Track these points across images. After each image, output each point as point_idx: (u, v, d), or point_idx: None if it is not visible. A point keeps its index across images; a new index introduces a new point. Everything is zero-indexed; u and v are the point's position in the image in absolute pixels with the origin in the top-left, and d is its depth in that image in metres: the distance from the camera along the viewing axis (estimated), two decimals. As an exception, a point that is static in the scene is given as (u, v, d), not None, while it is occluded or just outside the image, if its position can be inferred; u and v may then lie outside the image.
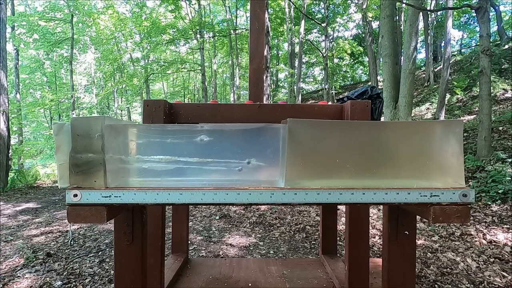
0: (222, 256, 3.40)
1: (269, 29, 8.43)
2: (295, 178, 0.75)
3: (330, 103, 1.57)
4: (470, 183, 4.96)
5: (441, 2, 14.54)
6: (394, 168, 0.78)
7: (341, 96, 1.99)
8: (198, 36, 16.14)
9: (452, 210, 0.72)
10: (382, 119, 5.81)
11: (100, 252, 3.43)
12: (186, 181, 0.78)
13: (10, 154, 8.92)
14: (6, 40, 8.95)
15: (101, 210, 0.72)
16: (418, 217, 0.94)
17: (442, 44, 14.71)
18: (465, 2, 12.23)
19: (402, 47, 8.91)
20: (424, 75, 13.53)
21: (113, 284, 1.61)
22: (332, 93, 15.94)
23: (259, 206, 5.02)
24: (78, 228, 4.30)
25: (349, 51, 15.95)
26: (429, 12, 12.15)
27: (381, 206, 1.53)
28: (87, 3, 16.18)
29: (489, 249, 3.20)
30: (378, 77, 14.44)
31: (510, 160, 5.17)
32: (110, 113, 23.51)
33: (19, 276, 2.83)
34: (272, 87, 20.04)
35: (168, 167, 0.77)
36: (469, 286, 2.55)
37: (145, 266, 0.99)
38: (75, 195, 0.71)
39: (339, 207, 4.07)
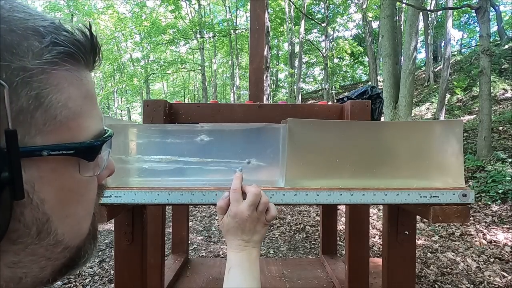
0: (222, 256, 3.40)
1: (269, 29, 8.43)
2: (295, 178, 0.75)
3: (330, 103, 1.57)
4: (470, 183, 4.96)
5: (441, 2, 14.54)
6: (394, 168, 0.78)
7: (341, 96, 1.99)
8: (198, 36, 16.14)
9: (452, 210, 0.72)
10: (382, 119, 5.81)
11: (100, 252, 3.43)
12: (186, 181, 0.78)
13: (10, 154, 8.91)
14: (6, 40, 8.95)
15: (101, 210, 0.72)
16: (418, 217, 0.94)
17: (442, 44, 14.72)
18: (465, 2, 12.23)
19: (402, 47, 8.91)
20: (424, 75, 13.53)
21: (113, 284, 1.61)
22: (332, 93, 15.94)
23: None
24: (78, 228, 4.30)
25: (349, 51, 15.94)
26: (429, 12, 12.16)
27: (381, 206, 1.53)
28: (87, 3, 16.18)
29: (489, 249, 3.20)
30: (378, 77, 14.44)
31: (510, 160, 5.17)
32: (110, 113, 23.50)
33: (19, 276, 2.83)
34: (272, 87, 20.03)
35: (168, 167, 0.77)
36: (469, 286, 2.55)
37: (145, 266, 0.99)
38: (75, 195, 0.70)
39: (339, 207, 4.07)
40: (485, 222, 3.90)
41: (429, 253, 3.20)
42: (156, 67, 18.21)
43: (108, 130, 0.34)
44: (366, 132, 0.78)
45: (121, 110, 24.27)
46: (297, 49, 16.71)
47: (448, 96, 10.09)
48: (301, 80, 16.99)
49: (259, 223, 0.66)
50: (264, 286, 1.69)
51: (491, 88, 6.62)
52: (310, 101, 18.02)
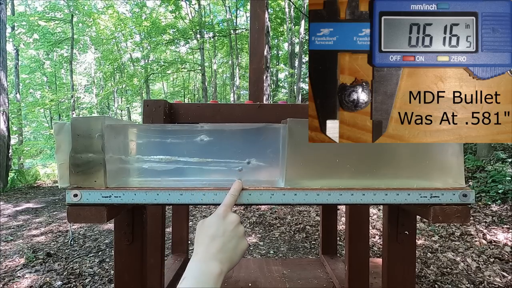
0: (222, 256, 3.40)
1: (269, 29, 8.43)
2: (295, 178, 0.75)
3: (330, 103, 1.56)
4: (470, 183, 4.96)
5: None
6: (394, 168, 0.78)
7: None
8: (198, 36, 16.15)
9: (452, 210, 0.72)
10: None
11: (100, 252, 3.43)
12: (186, 181, 0.78)
13: (10, 154, 8.92)
14: (6, 40, 8.96)
15: (101, 210, 0.72)
16: (418, 217, 0.94)
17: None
18: (465, 2, 12.21)
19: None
20: (424, 75, 13.52)
21: (113, 284, 1.61)
22: (332, 93, 15.90)
23: (259, 206, 5.02)
24: (78, 228, 4.30)
25: (349, 51, 15.91)
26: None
27: (381, 206, 1.53)
28: (87, 3, 16.18)
29: (489, 249, 3.20)
30: (378, 77, 14.42)
31: (510, 160, 5.18)
32: (110, 113, 23.50)
33: (19, 276, 2.83)
34: (272, 87, 20.02)
35: (168, 167, 0.77)
36: (469, 286, 2.55)
37: (145, 266, 0.99)
38: (75, 195, 0.71)
39: (339, 207, 4.07)
40: (485, 222, 3.90)
41: (429, 253, 3.20)
42: (156, 67, 18.20)
43: None
44: (366, 132, 0.77)
45: (121, 110, 24.25)
46: (297, 49, 16.71)
47: (448, 96, 10.08)
48: (301, 80, 16.96)
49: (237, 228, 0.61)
50: (264, 286, 1.69)
51: (491, 88, 6.61)
52: (310, 101, 17.96)
